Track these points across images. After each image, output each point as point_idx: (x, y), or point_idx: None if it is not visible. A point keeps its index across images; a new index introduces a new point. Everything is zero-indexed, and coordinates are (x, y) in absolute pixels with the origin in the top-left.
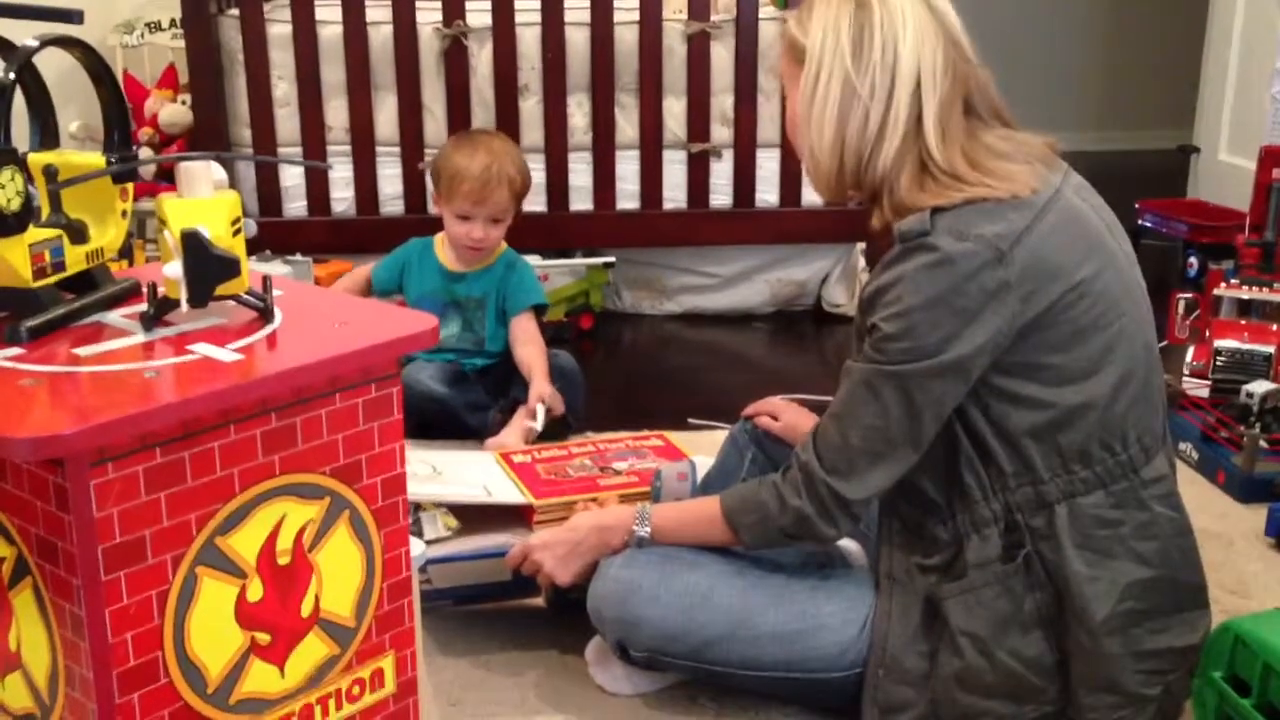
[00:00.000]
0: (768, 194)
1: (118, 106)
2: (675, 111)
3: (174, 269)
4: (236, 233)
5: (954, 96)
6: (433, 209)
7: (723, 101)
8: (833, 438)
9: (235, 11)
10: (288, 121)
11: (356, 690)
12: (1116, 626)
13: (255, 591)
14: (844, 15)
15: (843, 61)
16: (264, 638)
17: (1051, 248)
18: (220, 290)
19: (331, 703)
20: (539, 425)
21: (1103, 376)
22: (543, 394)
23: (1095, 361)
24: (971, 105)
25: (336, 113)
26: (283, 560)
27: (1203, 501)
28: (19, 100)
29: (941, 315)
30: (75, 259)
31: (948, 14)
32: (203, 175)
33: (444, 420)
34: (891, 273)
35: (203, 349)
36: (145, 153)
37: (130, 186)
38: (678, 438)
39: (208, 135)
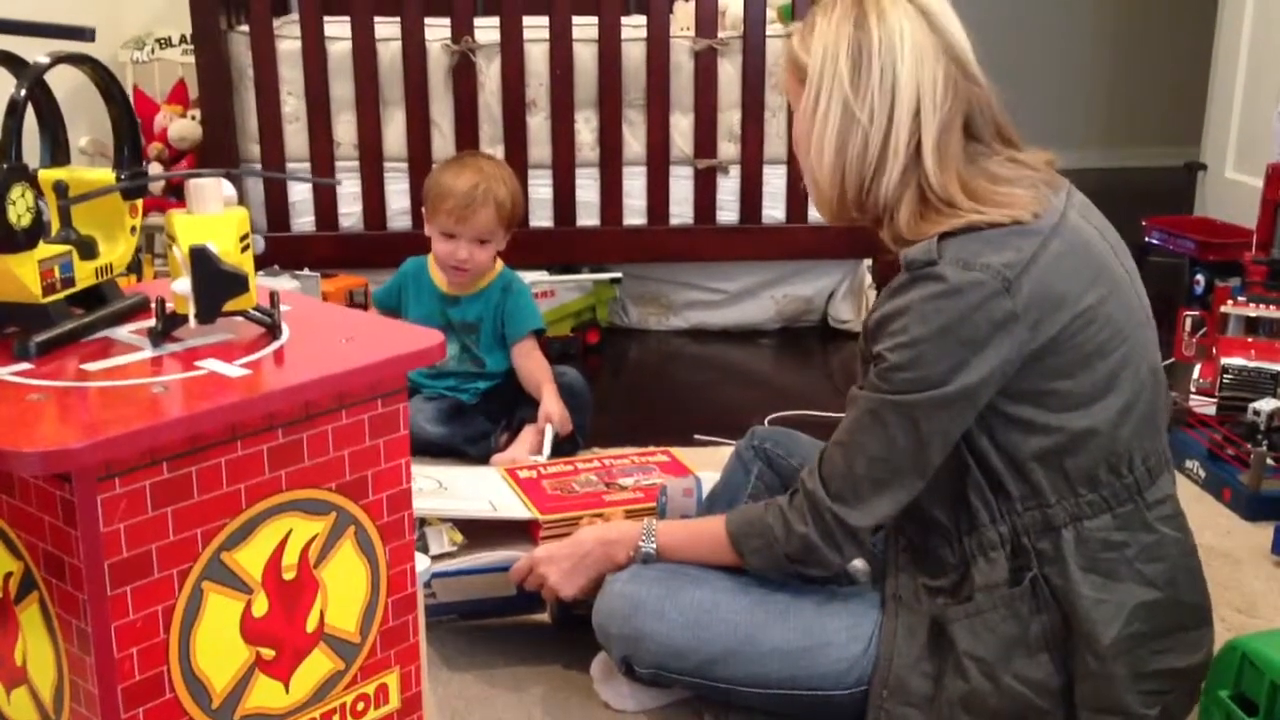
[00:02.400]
0: (774, 210)
1: (128, 123)
2: (682, 128)
3: (182, 285)
4: (245, 249)
5: (954, 117)
6: (426, 229)
7: (730, 118)
8: (838, 466)
9: (245, 28)
10: (296, 137)
11: (361, 706)
12: (1123, 649)
13: (260, 607)
14: (842, 36)
15: (841, 85)
16: (269, 653)
17: (1058, 276)
18: (228, 306)
19: (336, 718)
20: (545, 453)
21: (1109, 401)
22: (551, 414)
23: (1102, 387)
24: (972, 126)
25: (345, 128)
26: (288, 575)
27: (1209, 519)
28: (29, 116)
29: (949, 346)
30: (85, 274)
31: (949, 29)
32: (212, 192)
33: (445, 457)
34: (897, 301)
35: (210, 364)
36: (155, 168)
37: (140, 202)
38: (683, 453)
39: (217, 150)
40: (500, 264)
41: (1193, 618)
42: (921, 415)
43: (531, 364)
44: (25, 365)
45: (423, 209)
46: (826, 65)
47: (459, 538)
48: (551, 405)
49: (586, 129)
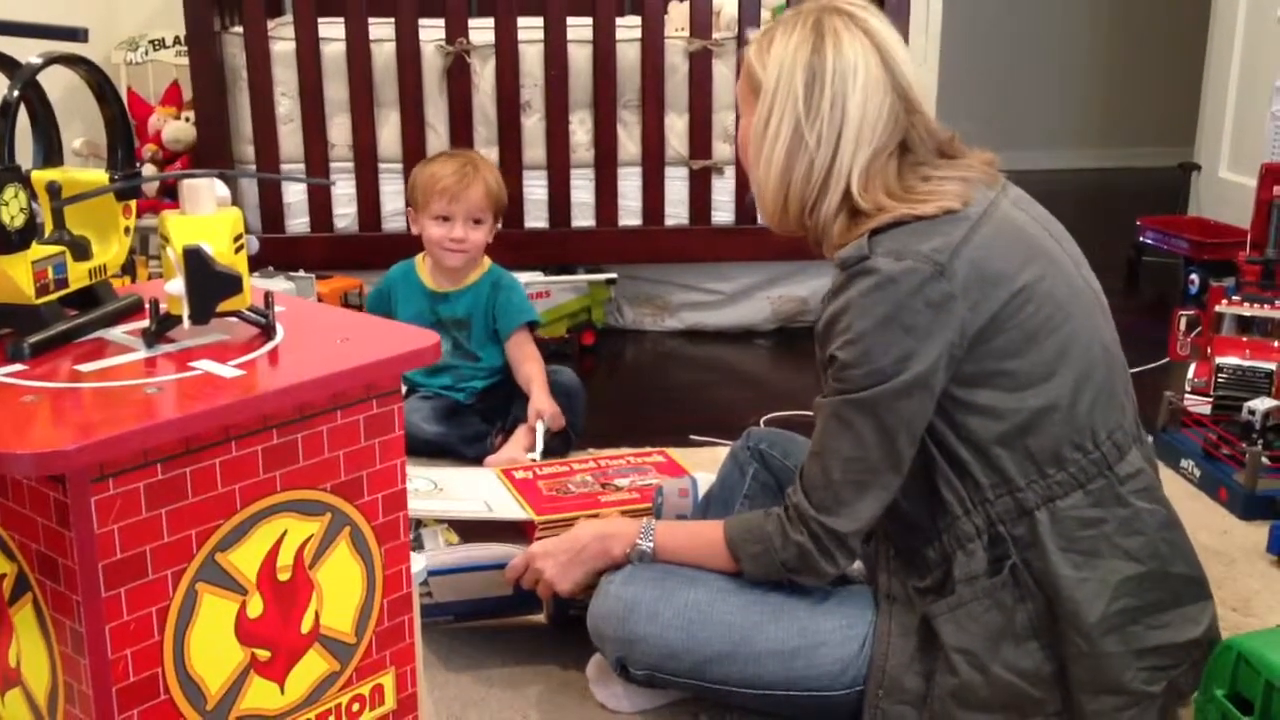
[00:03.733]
0: None
1: (121, 124)
2: (677, 128)
3: (176, 286)
4: (239, 249)
5: (887, 145)
6: (413, 229)
7: (724, 118)
8: (816, 476)
9: (239, 29)
10: (291, 138)
11: (356, 707)
12: (1112, 626)
13: (255, 608)
14: (799, 58)
15: (795, 106)
16: (264, 654)
17: (991, 256)
18: (222, 307)
19: (332, 719)
20: (539, 448)
21: (1061, 377)
22: (541, 410)
23: (1051, 363)
24: (910, 146)
25: (339, 130)
26: (283, 576)
27: (1204, 518)
28: (23, 117)
29: (893, 335)
30: (78, 275)
31: (899, 66)
32: (205, 192)
33: (440, 457)
34: (838, 301)
35: (204, 365)
36: (149, 169)
37: (133, 203)
38: (679, 454)
39: (211, 152)
40: (488, 260)
41: (1188, 591)
42: (883, 409)
43: (524, 356)
44: (19, 366)
45: (407, 210)
46: (781, 85)
47: (454, 539)
48: (542, 402)
49: (581, 130)
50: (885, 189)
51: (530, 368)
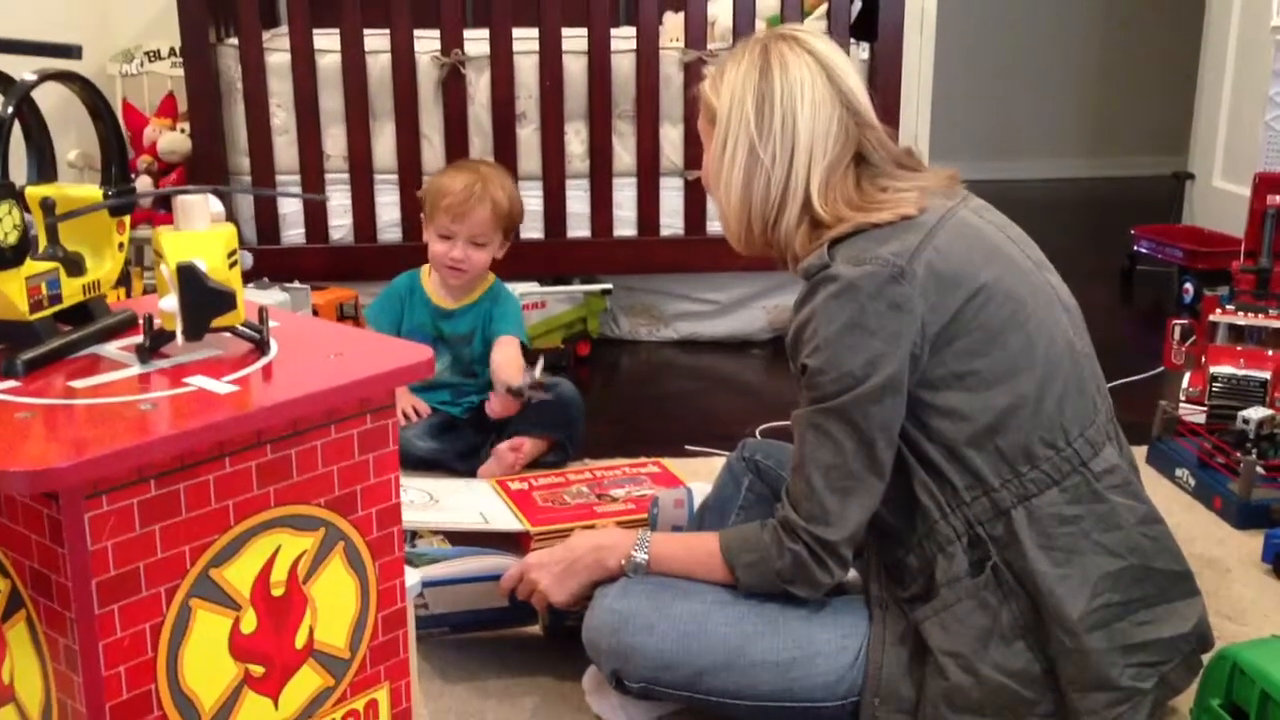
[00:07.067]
0: None
1: (115, 140)
2: (672, 139)
3: (170, 302)
4: (232, 265)
5: (843, 156)
6: (424, 235)
7: None
8: (800, 488)
9: (234, 40)
10: (286, 149)
11: None
12: (1096, 622)
13: (249, 623)
14: (748, 83)
15: (747, 129)
16: (258, 670)
17: (949, 258)
18: (216, 323)
19: None
20: (537, 372)
21: (1026, 374)
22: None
23: (1015, 361)
24: (866, 159)
25: (335, 141)
26: (277, 592)
27: (1199, 528)
28: (16, 132)
29: (858, 339)
30: (72, 291)
31: (846, 81)
32: (199, 208)
33: (434, 472)
34: (804, 311)
35: (198, 381)
36: (144, 180)
37: (127, 218)
38: (675, 465)
39: (206, 163)
40: (492, 276)
41: (1174, 587)
42: (858, 414)
43: (503, 355)
44: (12, 383)
45: (421, 215)
46: (734, 110)
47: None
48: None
49: (576, 140)
50: (845, 199)
51: (507, 354)
